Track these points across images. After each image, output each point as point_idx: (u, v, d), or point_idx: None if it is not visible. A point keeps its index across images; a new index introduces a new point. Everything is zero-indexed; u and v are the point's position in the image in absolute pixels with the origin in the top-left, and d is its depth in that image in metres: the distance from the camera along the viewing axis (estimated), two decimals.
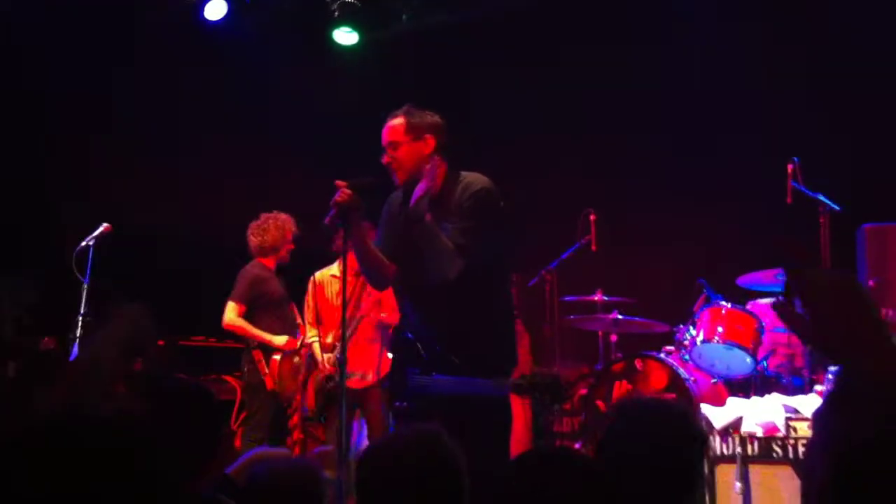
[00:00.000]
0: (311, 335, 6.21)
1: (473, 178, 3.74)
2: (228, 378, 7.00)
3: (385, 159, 3.75)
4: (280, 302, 6.31)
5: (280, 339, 6.16)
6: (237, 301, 6.17)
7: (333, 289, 6.14)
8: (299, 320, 6.43)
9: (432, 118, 3.81)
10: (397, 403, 3.68)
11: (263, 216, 6.32)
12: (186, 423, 2.19)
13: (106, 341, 2.04)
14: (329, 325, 6.09)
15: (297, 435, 7.15)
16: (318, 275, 6.16)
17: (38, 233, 7.02)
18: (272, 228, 6.28)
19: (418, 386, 3.59)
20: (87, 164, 7.38)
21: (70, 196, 7.27)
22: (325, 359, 6.03)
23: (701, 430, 2.41)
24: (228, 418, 6.67)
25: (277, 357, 6.17)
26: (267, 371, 6.18)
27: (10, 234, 6.88)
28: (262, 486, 2.14)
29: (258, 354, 6.22)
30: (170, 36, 7.40)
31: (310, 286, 6.13)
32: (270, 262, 6.33)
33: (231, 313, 6.16)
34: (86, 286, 5.17)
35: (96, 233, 5.59)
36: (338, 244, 5.70)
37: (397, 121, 3.77)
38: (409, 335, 3.76)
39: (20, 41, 6.88)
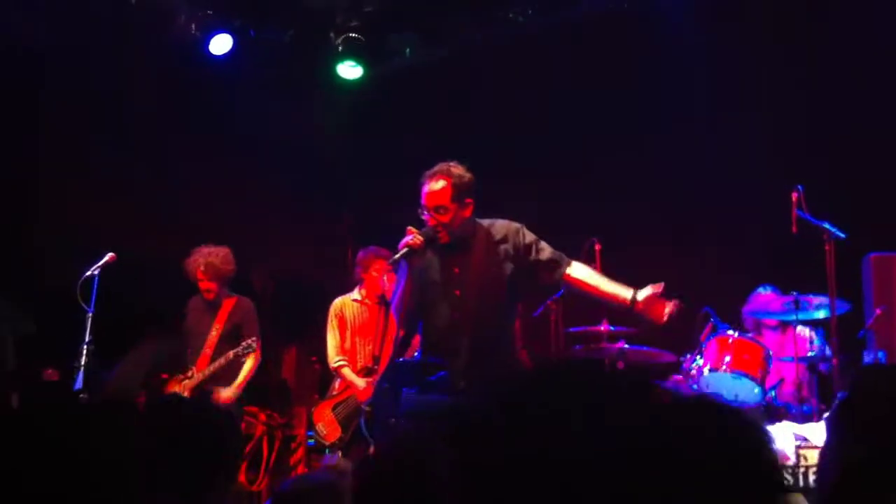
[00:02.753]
0: (339, 360, 6.24)
1: (505, 223, 4.21)
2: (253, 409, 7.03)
3: (430, 221, 4.02)
4: (188, 332, 6.44)
5: None
6: None
7: (355, 312, 6.26)
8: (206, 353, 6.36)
9: (470, 179, 4.09)
10: (392, 420, 3.89)
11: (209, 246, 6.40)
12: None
13: (134, 365, 2.06)
14: (355, 351, 6.19)
15: (300, 470, 7.09)
16: (338, 302, 6.26)
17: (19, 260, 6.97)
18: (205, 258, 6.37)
19: (413, 403, 3.81)
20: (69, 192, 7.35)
21: (48, 222, 7.24)
22: (360, 383, 6.04)
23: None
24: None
25: None
26: None
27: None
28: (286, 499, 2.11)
29: None
30: (174, 68, 7.44)
31: (331, 313, 6.18)
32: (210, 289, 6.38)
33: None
34: (90, 315, 5.14)
35: (101, 262, 5.57)
36: (359, 272, 5.86)
37: (441, 184, 4.00)
38: (404, 360, 4.00)
39: (13, 65, 6.87)
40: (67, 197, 7.18)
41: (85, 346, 4.89)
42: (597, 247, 6.23)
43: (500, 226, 4.14)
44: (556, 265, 4.15)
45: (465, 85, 7.67)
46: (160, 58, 7.39)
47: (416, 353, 4.37)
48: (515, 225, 4.17)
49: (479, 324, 3.98)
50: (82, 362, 4.80)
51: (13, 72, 6.84)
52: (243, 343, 6.19)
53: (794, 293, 5.54)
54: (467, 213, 4.05)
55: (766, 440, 1.13)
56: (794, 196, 5.44)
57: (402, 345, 4.30)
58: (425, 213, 4.02)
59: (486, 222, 4.15)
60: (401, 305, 4.08)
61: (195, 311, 6.47)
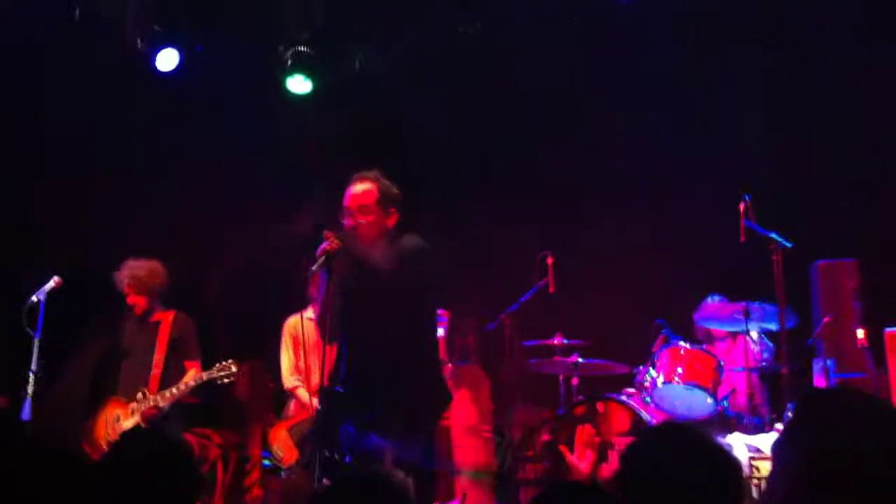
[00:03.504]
0: (293, 380, 6.14)
1: (412, 238, 3.95)
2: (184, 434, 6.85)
3: (349, 222, 3.91)
4: (127, 351, 6.18)
5: None
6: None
7: (309, 331, 6.09)
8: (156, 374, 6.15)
9: (397, 191, 3.99)
10: (327, 454, 3.72)
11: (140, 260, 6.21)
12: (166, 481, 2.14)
13: (78, 374, 2.03)
14: (309, 371, 6.04)
15: (256, 492, 7.00)
16: (292, 320, 6.14)
17: None
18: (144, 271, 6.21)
19: (353, 441, 3.69)
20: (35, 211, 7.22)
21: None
22: (313, 402, 5.93)
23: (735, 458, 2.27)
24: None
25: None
26: None
27: None
28: None
29: None
30: (121, 83, 7.32)
31: (283, 332, 6.09)
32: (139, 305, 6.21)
33: None
34: (37, 341, 5.01)
35: (47, 287, 5.43)
36: (312, 290, 5.74)
37: (367, 186, 3.93)
38: (339, 389, 3.87)
39: None
40: (19, 217, 7.06)
41: (32, 374, 4.76)
42: (549, 260, 6.26)
43: (406, 239, 3.95)
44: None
45: (417, 95, 7.63)
46: (108, 74, 7.26)
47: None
48: (416, 243, 3.94)
49: (384, 346, 3.82)
50: (29, 391, 4.67)
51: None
52: (219, 365, 5.93)
53: (744, 302, 5.58)
54: (390, 223, 3.94)
55: None
56: (742, 206, 5.50)
57: (337, 361, 3.99)
58: (346, 216, 3.93)
59: (401, 238, 3.98)
60: (323, 317, 3.95)
61: (129, 329, 6.21)
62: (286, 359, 6.21)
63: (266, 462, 6.62)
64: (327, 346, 3.83)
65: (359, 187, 3.92)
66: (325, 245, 3.79)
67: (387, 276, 3.79)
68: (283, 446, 6.18)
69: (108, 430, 5.99)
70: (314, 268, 3.81)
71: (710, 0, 6.67)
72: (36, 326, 5.21)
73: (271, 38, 7.59)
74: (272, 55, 7.68)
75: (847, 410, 1.87)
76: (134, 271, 6.11)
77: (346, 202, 3.94)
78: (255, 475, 7.07)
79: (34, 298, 5.35)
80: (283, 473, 6.14)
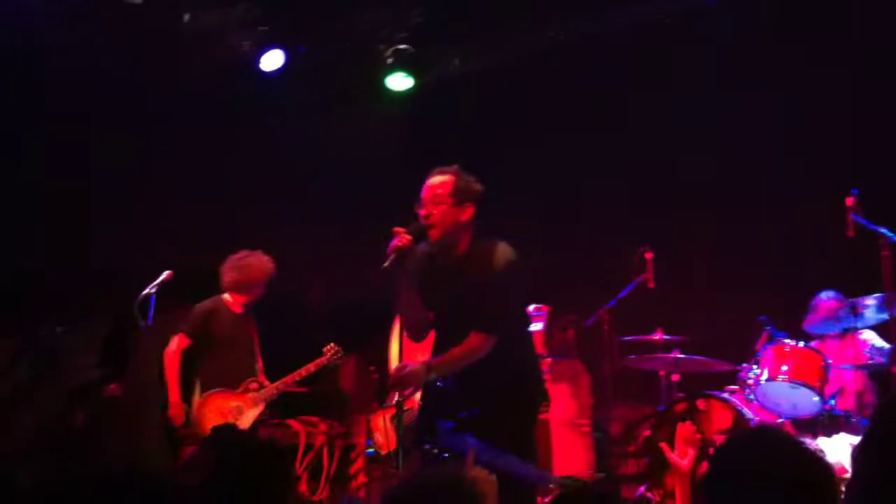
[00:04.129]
0: None
1: (501, 250, 3.83)
2: (291, 422, 7.06)
3: (423, 212, 3.83)
4: (224, 344, 6.11)
5: (175, 399, 5.97)
6: (183, 333, 6.07)
7: None
8: (261, 366, 6.28)
9: (476, 186, 3.89)
10: (427, 446, 3.72)
11: (243, 253, 6.22)
12: (256, 484, 2.22)
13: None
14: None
15: (360, 479, 7.17)
16: None
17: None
18: (251, 267, 6.18)
19: (452, 441, 3.63)
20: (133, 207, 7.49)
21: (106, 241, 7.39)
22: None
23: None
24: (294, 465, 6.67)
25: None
26: None
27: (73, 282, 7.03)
28: None
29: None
30: (225, 86, 7.55)
31: (396, 321, 6.27)
32: (238, 301, 6.21)
33: (172, 344, 6.05)
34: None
35: (159, 280, 5.66)
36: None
37: (445, 178, 3.85)
38: (441, 383, 3.84)
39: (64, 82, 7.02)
40: (123, 217, 7.35)
41: None
42: (647, 255, 6.20)
43: (496, 252, 3.81)
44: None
45: (512, 94, 7.65)
46: (212, 75, 7.50)
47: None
48: (507, 255, 3.81)
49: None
50: None
51: (63, 91, 6.96)
52: (327, 350, 6.19)
53: (852, 299, 5.43)
54: (464, 217, 3.82)
55: None
56: (850, 201, 5.34)
57: (436, 352, 3.95)
58: (421, 206, 3.84)
59: (482, 244, 3.87)
60: (406, 318, 3.93)
61: (225, 323, 6.17)
62: (395, 348, 6.32)
63: (370, 450, 6.78)
64: (406, 341, 3.84)
65: (436, 179, 3.84)
66: (395, 241, 3.70)
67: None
68: (383, 434, 6.29)
69: (227, 421, 6.08)
70: (386, 265, 3.69)
71: None
72: (147, 316, 5.43)
73: (371, 38, 7.73)
74: (372, 54, 7.81)
75: None
76: (241, 268, 6.16)
77: (422, 193, 3.87)
78: (359, 463, 7.24)
79: (147, 291, 5.57)
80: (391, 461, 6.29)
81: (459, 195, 3.81)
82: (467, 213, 3.82)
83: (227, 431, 2.63)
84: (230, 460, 2.27)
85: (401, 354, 4.48)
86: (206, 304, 6.18)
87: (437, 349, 3.94)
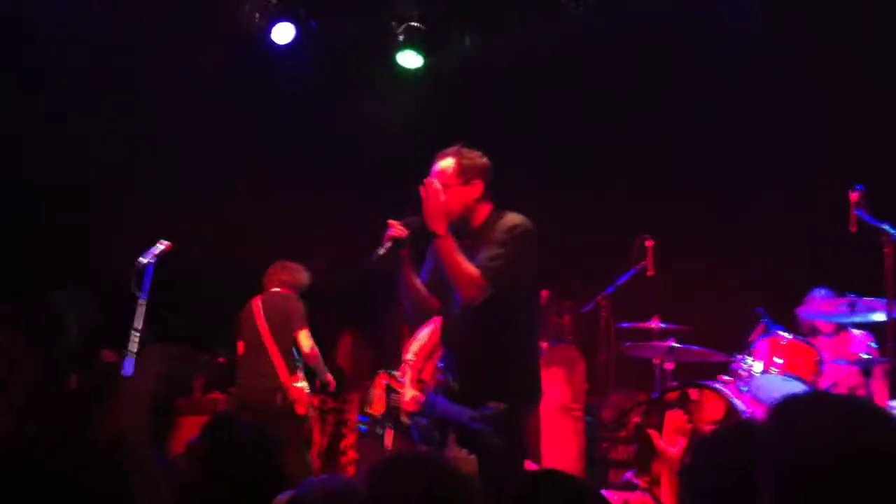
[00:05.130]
0: (410, 356, 6.35)
1: (513, 216, 3.79)
2: None
3: None
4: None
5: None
6: (308, 327, 6.29)
7: None
8: None
9: (482, 161, 3.86)
10: (421, 420, 3.82)
11: (292, 263, 6.56)
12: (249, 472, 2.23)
13: (150, 377, 2.13)
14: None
15: (350, 454, 7.20)
16: None
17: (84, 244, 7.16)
18: (302, 273, 6.54)
19: (429, 404, 3.76)
20: (134, 184, 7.50)
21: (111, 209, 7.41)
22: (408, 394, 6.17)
23: None
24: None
25: None
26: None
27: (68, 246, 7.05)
28: None
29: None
30: (238, 57, 7.56)
31: None
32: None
33: (310, 340, 6.29)
34: (142, 302, 5.20)
35: (157, 250, 5.61)
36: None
37: (448, 162, 3.83)
38: (440, 363, 3.90)
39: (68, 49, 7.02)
40: (134, 186, 7.37)
41: (134, 333, 4.96)
42: (648, 243, 6.19)
43: (507, 218, 3.79)
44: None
45: (524, 78, 7.63)
46: (225, 45, 7.50)
47: None
48: (516, 220, 3.77)
49: (478, 319, 3.71)
50: (131, 349, 4.88)
51: (68, 57, 6.96)
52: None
53: (850, 295, 5.40)
54: (474, 195, 3.80)
55: None
56: (854, 196, 5.30)
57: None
58: None
59: (500, 214, 3.84)
60: (408, 304, 3.91)
61: None
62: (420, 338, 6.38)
63: (362, 427, 6.80)
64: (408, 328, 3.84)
65: (440, 164, 3.83)
66: (391, 232, 3.70)
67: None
68: (378, 397, 6.35)
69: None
70: (381, 252, 3.69)
71: None
72: (142, 288, 5.40)
73: (383, 15, 7.72)
74: (384, 31, 7.80)
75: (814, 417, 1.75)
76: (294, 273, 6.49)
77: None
78: (350, 439, 7.27)
79: (142, 261, 5.54)
80: (374, 427, 6.32)
81: (466, 174, 3.80)
82: (477, 188, 3.81)
83: (223, 420, 2.66)
84: (225, 448, 2.29)
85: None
86: (300, 301, 6.46)
87: (450, 333, 3.93)
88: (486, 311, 3.65)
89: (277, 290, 6.44)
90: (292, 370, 6.25)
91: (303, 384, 6.29)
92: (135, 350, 4.80)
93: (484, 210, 3.84)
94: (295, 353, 6.31)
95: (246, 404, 6.18)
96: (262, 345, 6.23)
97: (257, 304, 6.39)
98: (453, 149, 3.87)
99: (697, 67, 6.81)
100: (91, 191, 7.47)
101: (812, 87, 6.47)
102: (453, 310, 3.82)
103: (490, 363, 3.71)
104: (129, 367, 4.79)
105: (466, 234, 3.81)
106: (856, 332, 5.61)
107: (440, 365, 3.89)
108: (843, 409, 1.69)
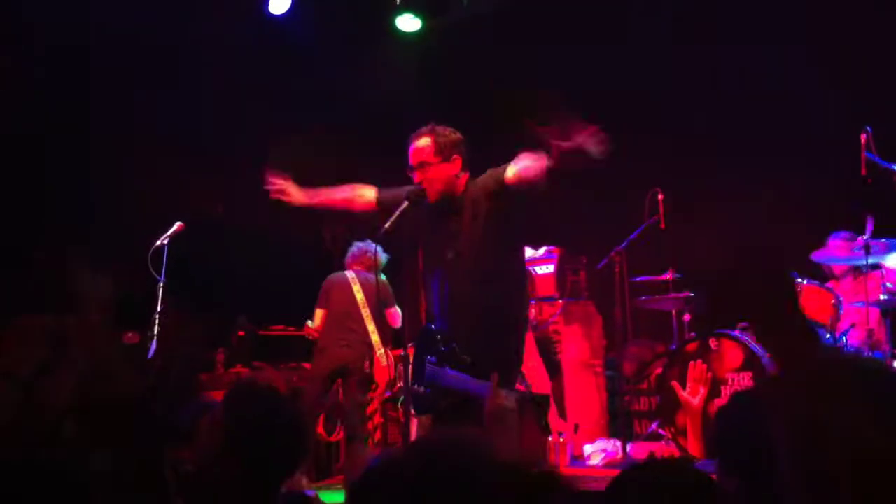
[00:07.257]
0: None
1: (489, 172, 3.94)
2: (308, 366, 7.16)
3: (416, 178, 3.98)
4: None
5: None
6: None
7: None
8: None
9: (455, 136, 4.01)
10: (415, 387, 3.91)
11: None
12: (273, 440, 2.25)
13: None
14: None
15: (377, 419, 7.28)
16: None
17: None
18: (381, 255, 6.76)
19: (432, 375, 3.82)
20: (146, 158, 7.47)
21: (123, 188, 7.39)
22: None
23: None
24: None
25: None
26: None
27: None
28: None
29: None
30: (235, 27, 7.49)
31: None
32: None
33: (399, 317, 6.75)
34: (161, 284, 5.24)
35: (171, 231, 5.65)
36: None
37: (424, 142, 3.97)
38: (433, 326, 3.99)
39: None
40: (137, 162, 7.34)
41: (157, 316, 5.01)
42: (660, 196, 6.19)
43: (485, 175, 3.94)
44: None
45: (523, 35, 7.56)
46: (221, 16, 7.43)
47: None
48: (496, 171, 3.91)
49: (474, 286, 3.86)
50: (155, 331, 4.92)
51: (62, 30, 6.91)
52: None
53: (864, 237, 5.41)
54: (454, 170, 3.95)
55: None
56: (863, 137, 5.29)
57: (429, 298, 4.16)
58: (412, 172, 3.99)
59: (475, 180, 3.99)
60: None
61: None
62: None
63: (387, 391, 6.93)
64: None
65: (416, 144, 3.97)
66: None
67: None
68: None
69: None
70: (387, 226, 3.86)
71: None
72: (161, 269, 5.44)
73: None
74: None
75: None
76: None
77: (410, 160, 4.00)
78: (375, 405, 7.35)
79: (159, 242, 5.58)
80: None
81: (444, 151, 3.95)
82: (456, 164, 3.97)
83: (245, 388, 2.65)
84: (247, 420, 2.29)
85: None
86: None
87: (447, 299, 4.00)
88: (492, 274, 3.83)
89: (361, 268, 6.75)
90: (385, 342, 6.62)
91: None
92: (157, 333, 4.83)
93: (463, 181, 4.00)
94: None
95: (334, 368, 6.48)
96: (358, 315, 6.56)
97: (346, 278, 6.70)
98: (427, 128, 4.03)
99: (703, 21, 6.75)
100: (91, 172, 7.46)
101: (822, 27, 6.42)
102: (443, 281, 3.96)
103: (487, 309, 3.83)
104: (153, 351, 4.84)
105: (451, 209, 3.96)
106: (875, 272, 5.64)
107: (433, 327, 3.98)
108: (851, 362, 1.70)
